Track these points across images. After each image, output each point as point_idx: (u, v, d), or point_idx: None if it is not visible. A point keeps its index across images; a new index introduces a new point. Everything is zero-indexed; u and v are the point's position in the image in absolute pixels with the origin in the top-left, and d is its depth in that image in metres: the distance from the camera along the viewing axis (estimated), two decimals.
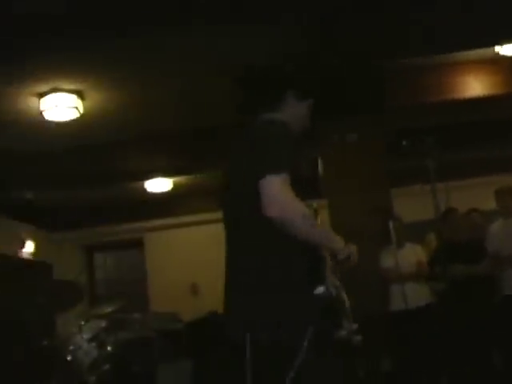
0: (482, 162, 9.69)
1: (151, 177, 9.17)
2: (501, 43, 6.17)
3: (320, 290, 2.38)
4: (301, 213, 2.37)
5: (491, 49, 6.36)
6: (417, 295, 6.26)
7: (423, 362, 6.19)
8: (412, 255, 6.39)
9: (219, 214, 2.40)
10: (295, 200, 2.37)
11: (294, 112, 2.77)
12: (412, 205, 7.19)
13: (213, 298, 10.23)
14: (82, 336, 5.15)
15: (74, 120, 6.70)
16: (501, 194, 6.35)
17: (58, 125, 6.80)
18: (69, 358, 5.08)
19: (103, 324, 5.35)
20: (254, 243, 2.51)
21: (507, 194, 6.29)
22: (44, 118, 6.57)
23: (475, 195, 7.78)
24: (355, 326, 2.46)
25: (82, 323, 5.29)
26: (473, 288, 6.05)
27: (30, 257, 10.56)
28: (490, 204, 6.44)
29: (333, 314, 2.42)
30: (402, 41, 5.48)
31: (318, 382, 2.37)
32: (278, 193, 2.35)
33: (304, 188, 2.47)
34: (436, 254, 6.32)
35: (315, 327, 2.33)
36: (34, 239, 10.65)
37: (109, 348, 5.20)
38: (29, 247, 10.51)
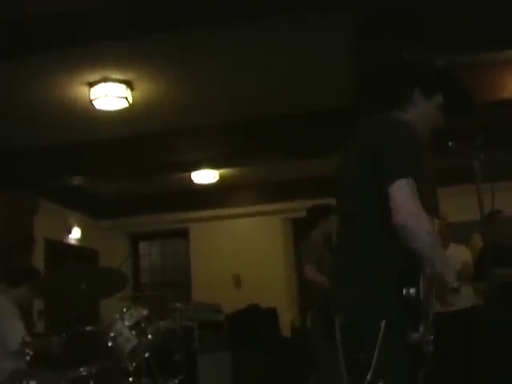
0: None
1: (198, 168, 9.23)
2: None
3: (411, 291, 2.39)
4: (427, 227, 2.39)
5: None
6: (461, 297, 6.18)
7: (462, 365, 6.13)
8: (457, 255, 6.31)
9: (264, 207, 2.41)
10: (422, 212, 2.39)
11: (421, 112, 2.73)
12: (458, 205, 7.09)
13: (255, 290, 10.45)
14: (123, 323, 5.20)
15: (123, 110, 6.78)
16: None
17: (108, 114, 6.88)
18: (110, 344, 5.13)
19: (145, 312, 5.39)
20: (364, 234, 2.54)
21: None
22: (94, 106, 6.66)
23: None
24: (431, 337, 2.48)
25: (124, 310, 5.33)
26: None
27: (77, 243, 10.73)
28: None
29: (414, 317, 2.43)
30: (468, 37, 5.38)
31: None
32: (407, 201, 2.38)
33: None
34: (481, 256, 6.24)
35: (389, 322, 2.36)
36: (81, 226, 10.81)
37: (149, 336, 5.23)
38: (76, 233, 10.68)
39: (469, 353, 6.21)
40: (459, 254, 6.38)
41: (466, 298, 6.38)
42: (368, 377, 2.35)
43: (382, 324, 2.36)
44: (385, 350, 2.35)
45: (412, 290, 2.39)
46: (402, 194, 2.38)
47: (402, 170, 2.41)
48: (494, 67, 6.66)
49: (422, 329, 2.43)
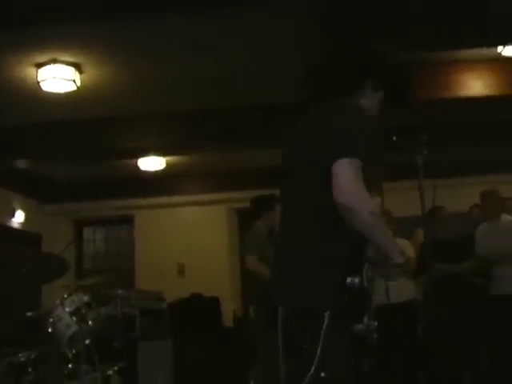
0: (471, 162, 9.73)
1: (145, 155, 9.16)
2: (504, 44, 6.13)
3: (355, 280, 2.39)
4: (369, 206, 2.37)
5: (494, 49, 6.33)
6: (401, 290, 6.29)
7: (402, 357, 6.23)
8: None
9: (210, 196, 2.41)
10: (365, 192, 2.37)
11: (368, 105, 2.75)
12: (402, 200, 7.19)
13: (198, 279, 10.42)
14: (63, 309, 5.15)
15: (71, 93, 6.68)
16: (487, 195, 6.39)
17: (55, 96, 6.78)
18: (49, 330, 5.08)
19: (86, 298, 5.35)
20: (307, 222, 2.52)
21: (493, 195, 6.33)
22: (41, 88, 6.54)
23: (462, 194, 7.80)
24: (374, 324, 2.47)
25: (65, 296, 5.28)
26: (456, 286, 6.09)
27: (20, 227, 10.55)
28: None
29: (359, 307, 2.44)
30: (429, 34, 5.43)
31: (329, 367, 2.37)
32: (349, 179, 2.35)
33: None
34: (421, 251, 6.34)
35: (333, 312, 2.35)
36: (25, 209, 10.63)
37: (90, 323, 5.19)
38: (19, 217, 10.50)
39: (409, 344, 6.32)
40: (403, 249, 6.47)
41: (408, 291, 6.50)
42: (311, 368, 2.33)
43: (326, 314, 2.35)
44: (329, 341, 2.33)
45: (356, 279, 2.39)
46: (344, 172, 2.35)
47: (348, 149, 2.39)
48: (452, 65, 6.77)
49: (366, 319, 2.43)
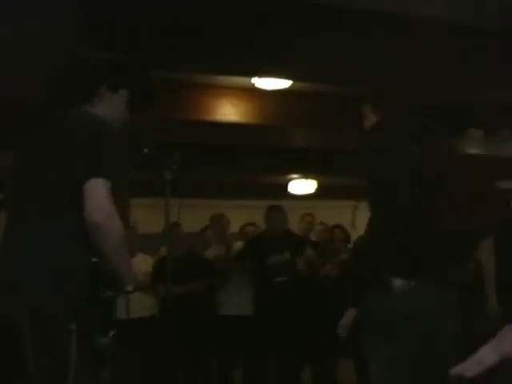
0: (219, 184, 10.09)
1: None
2: (257, 75, 6.39)
3: (108, 294, 2.38)
4: (120, 229, 2.37)
5: (249, 79, 6.58)
6: (141, 305, 6.29)
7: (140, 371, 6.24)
8: (142, 265, 6.43)
9: None
10: (116, 214, 2.36)
11: (108, 107, 2.68)
12: (147, 216, 7.23)
13: None
14: None
15: None
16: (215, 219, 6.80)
17: None
18: None
19: None
20: (45, 233, 2.42)
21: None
22: None
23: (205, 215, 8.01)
24: (112, 333, 2.44)
25: None
26: (188, 304, 6.19)
27: None
28: None
29: (105, 321, 2.42)
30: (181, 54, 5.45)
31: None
32: (104, 199, 2.32)
33: None
34: (156, 268, 6.37)
35: (78, 324, 2.30)
36: None
37: None
38: None
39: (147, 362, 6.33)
40: (143, 264, 6.49)
41: (147, 306, 6.51)
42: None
43: (72, 326, 2.29)
44: (67, 352, 2.28)
45: (109, 293, 2.38)
46: (99, 192, 2.33)
47: (104, 169, 2.38)
48: (208, 89, 6.92)
49: (111, 333, 2.41)
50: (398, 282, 3.13)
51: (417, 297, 3.09)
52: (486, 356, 1.14)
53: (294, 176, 10.21)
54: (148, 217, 7.29)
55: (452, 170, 3.22)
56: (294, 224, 7.55)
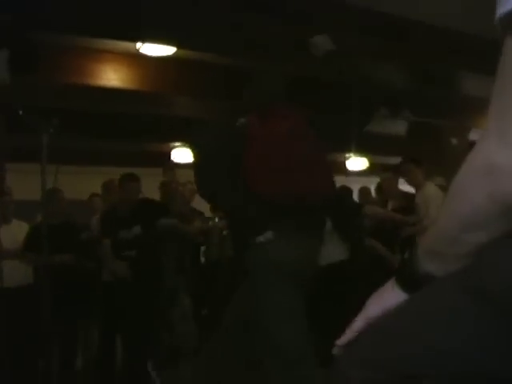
0: (96, 152, 9.95)
1: None
2: (141, 40, 6.29)
3: None
4: None
5: (133, 44, 6.46)
6: (16, 274, 6.12)
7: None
8: (18, 233, 6.23)
9: None
10: None
11: None
12: (23, 182, 6.99)
13: None
14: None
15: None
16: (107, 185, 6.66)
17: None
18: None
19: None
20: None
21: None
22: None
23: (83, 182, 7.86)
24: None
25: None
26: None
27: None
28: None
29: None
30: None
31: None
32: None
33: None
34: (29, 236, 6.16)
35: None
36: None
37: None
38: None
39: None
40: (19, 230, 6.30)
41: (20, 275, 6.34)
42: None
43: None
44: None
45: None
46: None
47: None
48: (89, 53, 6.74)
49: None
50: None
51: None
52: (356, 321, 1.22)
53: (177, 144, 10.18)
54: (25, 182, 7.04)
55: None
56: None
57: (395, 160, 9.34)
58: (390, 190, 6.92)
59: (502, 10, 0.92)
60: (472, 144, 1.01)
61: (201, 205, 6.38)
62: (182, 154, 10.19)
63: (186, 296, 6.86)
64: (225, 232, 6.94)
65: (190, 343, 6.64)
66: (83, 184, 7.69)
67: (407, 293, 1.15)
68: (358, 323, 1.20)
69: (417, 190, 6.39)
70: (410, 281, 1.15)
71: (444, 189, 5.89)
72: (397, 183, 6.96)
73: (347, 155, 10.93)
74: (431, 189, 6.23)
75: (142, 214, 5.99)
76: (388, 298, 1.18)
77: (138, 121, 8.46)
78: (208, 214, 7.28)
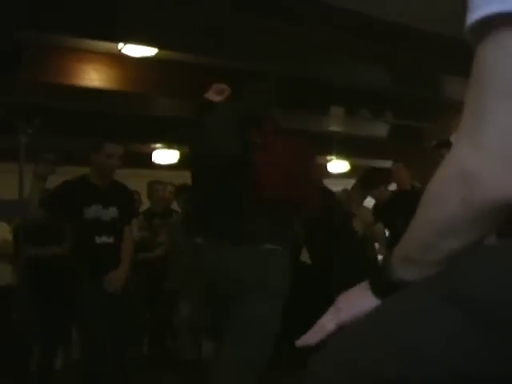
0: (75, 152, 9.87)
1: None
2: (122, 41, 6.27)
3: None
4: None
5: (115, 44, 6.44)
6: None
7: None
8: None
9: None
10: None
11: None
12: (4, 182, 6.94)
13: None
14: None
15: None
16: None
17: None
18: None
19: None
20: None
21: None
22: None
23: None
24: None
25: None
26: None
27: None
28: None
29: None
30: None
31: None
32: None
33: None
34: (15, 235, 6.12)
35: None
36: None
37: None
38: None
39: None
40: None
41: (4, 276, 6.29)
42: None
43: None
44: None
45: None
46: None
47: None
48: (71, 53, 6.70)
49: None
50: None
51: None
52: (327, 323, 1.21)
53: (158, 145, 10.14)
54: (4, 182, 6.99)
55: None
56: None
57: (377, 163, 9.39)
58: (401, 180, 6.71)
59: (472, 17, 0.91)
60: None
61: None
62: (163, 155, 10.17)
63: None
64: None
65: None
66: None
67: (380, 298, 1.16)
68: (330, 326, 1.20)
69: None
70: (385, 287, 1.15)
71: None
72: (408, 172, 6.78)
73: (329, 158, 10.95)
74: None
75: None
76: (360, 303, 1.18)
77: (120, 121, 8.42)
78: None
